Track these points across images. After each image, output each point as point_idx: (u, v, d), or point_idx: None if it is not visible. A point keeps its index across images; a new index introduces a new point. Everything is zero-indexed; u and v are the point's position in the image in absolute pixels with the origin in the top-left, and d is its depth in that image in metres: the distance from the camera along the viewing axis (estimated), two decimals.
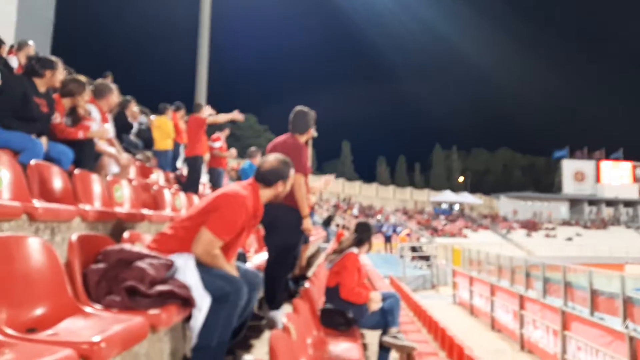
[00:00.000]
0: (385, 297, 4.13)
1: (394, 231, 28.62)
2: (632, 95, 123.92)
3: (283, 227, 3.49)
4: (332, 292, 4.11)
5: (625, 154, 61.69)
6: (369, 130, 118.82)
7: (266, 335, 3.20)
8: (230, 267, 2.37)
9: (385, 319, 4.00)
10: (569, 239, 48.23)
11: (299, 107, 3.95)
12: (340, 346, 3.39)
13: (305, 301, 3.69)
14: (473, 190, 70.12)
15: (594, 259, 40.42)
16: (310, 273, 5.93)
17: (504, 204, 57.48)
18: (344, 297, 4.00)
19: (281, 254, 3.55)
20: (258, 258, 4.28)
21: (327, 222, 15.28)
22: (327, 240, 13.64)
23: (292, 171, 2.72)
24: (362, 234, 4.34)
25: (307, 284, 4.27)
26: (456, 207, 54.48)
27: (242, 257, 3.31)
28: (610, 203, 59.49)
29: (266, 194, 2.60)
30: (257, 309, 3.56)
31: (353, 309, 3.96)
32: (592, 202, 59.51)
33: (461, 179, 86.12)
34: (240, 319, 2.37)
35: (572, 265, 14.03)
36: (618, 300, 10.71)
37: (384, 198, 55.71)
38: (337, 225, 19.33)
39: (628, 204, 59.79)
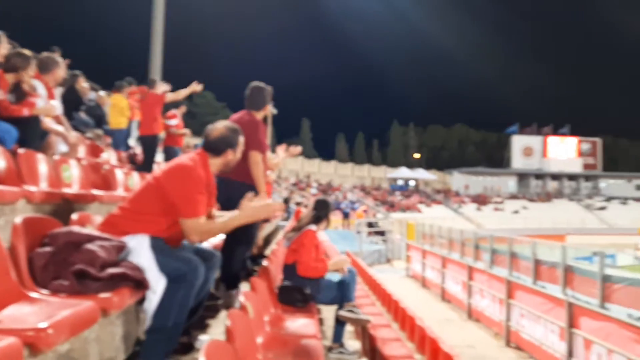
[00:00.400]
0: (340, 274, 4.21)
1: (352, 208, 29.05)
2: (579, 74, 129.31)
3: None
4: (290, 270, 4.15)
5: (572, 129, 64.72)
6: (328, 108, 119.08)
7: (223, 314, 3.21)
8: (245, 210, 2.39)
9: (341, 294, 4.08)
10: (516, 212, 50.49)
11: (254, 83, 3.85)
12: (297, 322, 3.44)
13: (263, 279, 3.72)
14: (429, 165, 71.81)
15: (539, 230, 42.55)
16: (268, 251, 5.96)
17: (457, 179, 59.26)
18: (302, 274, 4.03)
19: (238, 233, 3.54)
20: (215, 237, 4.25)
21: (284, 203, 15.29)
22: (285, 218, 13.70)
23: (241, 139, 2.63)
24: (321, 211, 4.38)
25: (265, 263, 4.29)
26: (412, 183, 55.73)
27: None
28: (555, 177, 62.47)
29: (216, 163, 2.51)
30: (214, 289, 3.56)
31: (310, 285, 4.03)
32: (539, 176, 62.27)
33: (417, 155, 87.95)
34: (197, 299, 2.35)
35: (517, 237, 14.74)
36: (559, 269, 11.41)
37: (343, 175, 56.27)
38: (298, 204, 19.41)
39: (572, 177, 62.99)
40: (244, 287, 3.59)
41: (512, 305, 7.15)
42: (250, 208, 2.38)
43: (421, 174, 56.97)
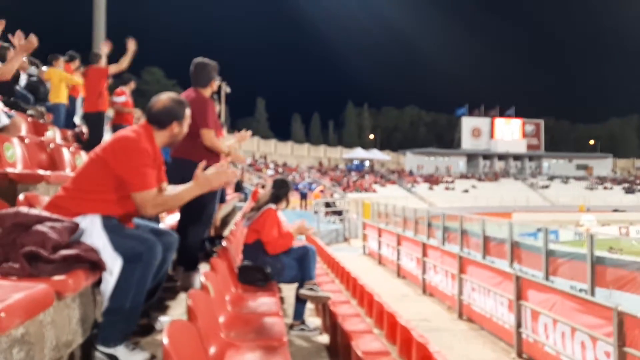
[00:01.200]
0: (301, 252, 4.22)
1: (309, 188, 29.14)
2: (523, 57, 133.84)
3: None
4: (250, 249, 4.12)
5: (517, 111, 67.38)
6: (284, 88, 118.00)
7: (182, 297, 3.15)
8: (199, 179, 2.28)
9: (302, 273, 4.10)
10: (466, 190, 52.27)
11: (197, 59, 3.68)
12: (258, 301, 3.44)
13: (223, 260, 3.68)
14: (383, 146, 72.92)
15: (487, 208, 44.37)
16: (226, 232, 5.89)
17: (410, 160, 60.56)
18: (272, 252, 4.03)
19: (194, 214, 3.46)
20: (171, 218, 4.15)
21: (238, 187, 15.07)
22: (243, 200, 13.55)
23: (187, 112, 2.50)
24: (280, 190, 4.35)
25: (224, 243, 4.24)
26: (367, 164, 56.47)
27: (155, 217, 3.19)
28: (502, 157, 65.03)
29: (161, 136, 2.38)
30: (172, 271, 3.49)
31: (272, 264, 4.02)
32: (486, 156, 64.62)
33: (372, 136, 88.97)
34: (155, 280, 2.29)
35: (467, 214, 15.29)
36: (506, 244, 11.95)
37: (299, 156, 56.16)
38: (257, 185, 19.22)
39: (517, 157, 65.76)
40: (204, 268, 3.54)
41: (463, 279, 7.43)
42: (203, 177, 2.29)
43: (376, 154, 57.77)
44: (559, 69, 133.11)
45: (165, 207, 2.28)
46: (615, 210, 48.85)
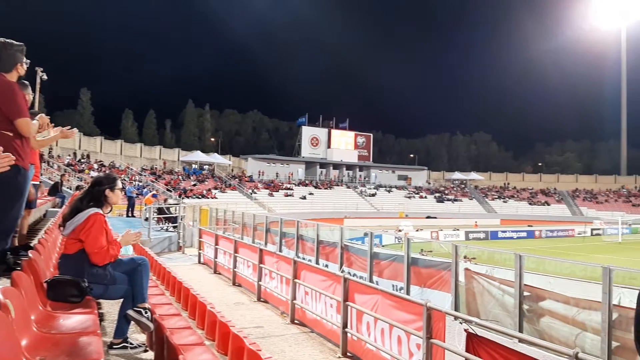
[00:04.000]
0: (132, 265, 3.88)
1: (141, 193, 27.23)
2: (356, 73, 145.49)
3: None
4: (71, 261, 3.61)
5: (350, 124, 72.96)
6: (114, 79, 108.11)
7: None
8: None
9: (133, 289, 3.78)
10: (304, 197, 54.59)
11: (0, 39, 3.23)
12: (72, 319, 3.07)
13: (29, 274, 3.19)
14: (224, 150, 72.08)
15: (322, 214, 46.97)
16: (35, 242, 5.14)
17: (251, 165, 61.00)
18: (99, 263, 3.61)
19: None
20: None
21: (54, 190, 13.41)
22: (59, 205, 12.05)
23: None
24: (98, 190, 3.89)
25: (30, 254, 3.66)
26: (206, 168, 55.17)
27: None
28: (337, 166, 69.62)
29: None
30: None
31: (99, 277, 3.61)
32: (323, 165, 68.50)
33: (213, 139, 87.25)
34: None
35: (303, 220, 15.94)
36: (337, 248, 12.74)
37: (130, 156, 52.25)
38: (78, 188, 17.25)
39: (349, 167, 71.05)
40: (3, 283, 3.04)
41: (297, 284, 7.66)
42: None
43: (216, 158, 56.83)
44: (386, 87, 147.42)
45: None
46: (428, 217, 55.93)
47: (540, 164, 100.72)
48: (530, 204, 68.97)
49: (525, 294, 7.68)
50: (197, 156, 55.13)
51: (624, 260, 26.88)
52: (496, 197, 71.11)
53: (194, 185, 46.89)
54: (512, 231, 43.47)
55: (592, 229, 46.07)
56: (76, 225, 3.64)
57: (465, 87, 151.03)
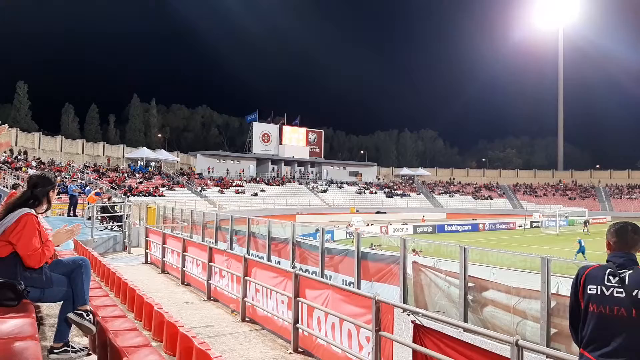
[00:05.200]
0: (72, 265, 3.71)
1: (83, 191, 26.11)
2: (307, 71, 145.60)
3: None
4: (3, 264, 3.40)
5: (301, 121, 73.00)
6: (52, 71, 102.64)
7: None
8: None
9: (74, 291, 3.62)
10: (255, 194, 54.15)
11: None
12: (8, 324, 2.91)
13: None
14: (171, 147, 70.30)
15: (274, 211, 46.79)
16: None
17: (201, 162, 59.80)
18: (34, 265, 3.43)
19: None
20: None
21: None
22: None
23: None
24: (36, 189, 3.69)
25: None
26: (153, 165, 53.56)
27: None
28: (288, 163, 69.48)
29: None
30: None
31: (34, 281, 3.43)
32: (274, 161, 68.18)
33: (160, 135, 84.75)
34: None
35: (255, 217, 15.83)
36: (289, 244, 12.73)
37: (71, 153, 49.94)
38: (14, 186, 16.26)
39: (301, 163, 71.11)
40: None
41: (248, 282, 7.60)
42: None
43: (164, 155, 55.28)
44: (337, 85, 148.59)
45: None
46: (378, 212, 56.94)
47: (483, 159, 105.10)
48: (474, 198, 71.72)
49: (470, 284, 7.98)
50: (143, 153, 53.40)
51: (561, 250, 28.48)
52: (442, 192, 73.43)
53: (140, 182, 45.43)
54: (458, 224, 45.04)
55: (532, 222, 48.52)
56: (6, 227, 3.43)
57: (413, 86, 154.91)
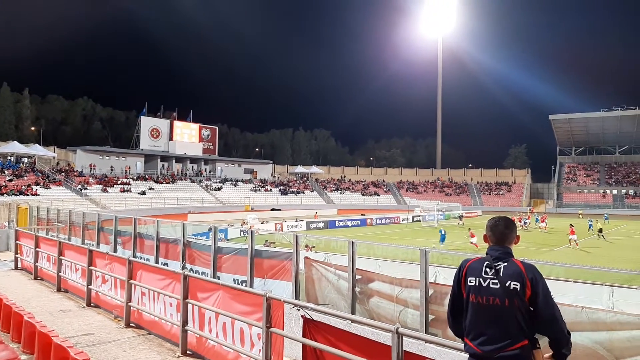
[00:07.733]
0: None
1: None
2: (208, 67, 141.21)
3: None
4: None
5: (194, 117, 70.55)
6: None
7: None
8: None
9: None
10: (143, 192, 51.31)
11: None
12: None
13: None
14: (47, 141, 63.99)
15: (164, 210, 44.76)
16: None
17: (81, 158, 55.27)
18: None
19: None
20: None
21: None
22: None
23: None
24: None
25: None
26: (25, 161, 48.28)
27: None
28: (180, 159, 66.84)
29: None
30: None
31: None
32: (165, 158, 65.19)
33: (33, 128, 76.63)
34: None
35: (142, 217, 15.01)
36: (179, 245, 12.28)
37: None
38: None
39: (194, 160, 68.80)
40: None
41: (133, 285, 7.21)
42: None
43: (37, 150, 50.03)
44: (223, 81, 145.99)
45: None
46: (273, 209, 57.14)
47: (371, 158, 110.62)
48: (363, 194, 75.12)
49: (357, 277, 8.36)
50: (14, 147, 47.86)
51: (439, 242, 30.85)
52: (334, 189, 75.87)
53: (10, 180, 40.73)
54: (348, 220, 46.81)
55: (414, 216, 52.10)
56: None
57: (307, 86, 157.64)
